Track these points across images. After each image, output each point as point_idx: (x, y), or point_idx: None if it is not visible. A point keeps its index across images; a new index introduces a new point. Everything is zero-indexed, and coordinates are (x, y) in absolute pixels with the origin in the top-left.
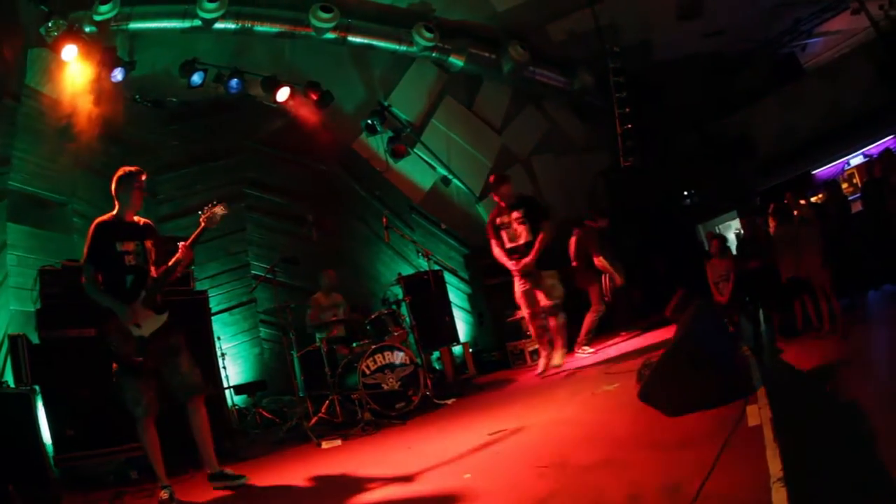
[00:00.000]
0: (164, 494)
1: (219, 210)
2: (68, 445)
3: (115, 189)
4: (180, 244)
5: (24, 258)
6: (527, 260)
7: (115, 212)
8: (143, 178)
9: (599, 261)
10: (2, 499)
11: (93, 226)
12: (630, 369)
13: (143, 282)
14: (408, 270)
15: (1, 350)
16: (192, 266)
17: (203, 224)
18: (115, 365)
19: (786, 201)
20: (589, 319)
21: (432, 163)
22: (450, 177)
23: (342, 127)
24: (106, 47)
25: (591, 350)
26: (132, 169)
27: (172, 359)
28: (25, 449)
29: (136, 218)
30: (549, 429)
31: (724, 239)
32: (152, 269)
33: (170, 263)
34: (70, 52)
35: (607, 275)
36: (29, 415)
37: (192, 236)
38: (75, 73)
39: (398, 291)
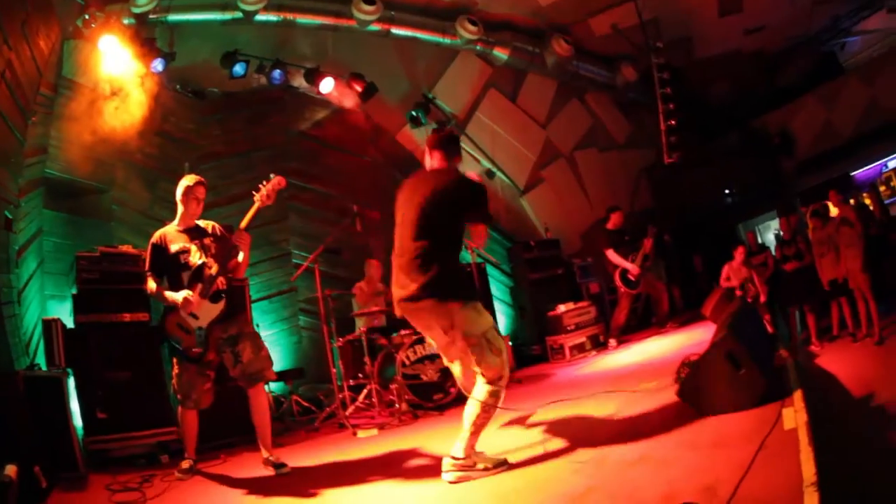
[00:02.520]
0: (185, 464)
1: (275, 185)
2: (99, 428)
3: (178, 196)
4: (238, 229)
5: (61, 244)
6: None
7: (175, 218)
8: (202, 188)
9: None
10: (28, 480)
11: (152, 237)
12: (669, 367)
13: (199, 276)
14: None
15: (34, 334)
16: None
17: (259, 203)
18: (175, 359)
19: (827, 202)
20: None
21: (476, 156)
22: (494, 170)
23: (386, 118)
24: (145, 38)
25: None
26: (191, 181)
27: (234, 347)
28: (54, 431)
29: (198, 221)
30: (588, 425)
31: (749, 249)
32: (210, 262)
33: (224, 256)
34: (108, 44)
35: (619, 269)
36: (60, 397)
37: (247, 217)
38: (114, 64)
39: None
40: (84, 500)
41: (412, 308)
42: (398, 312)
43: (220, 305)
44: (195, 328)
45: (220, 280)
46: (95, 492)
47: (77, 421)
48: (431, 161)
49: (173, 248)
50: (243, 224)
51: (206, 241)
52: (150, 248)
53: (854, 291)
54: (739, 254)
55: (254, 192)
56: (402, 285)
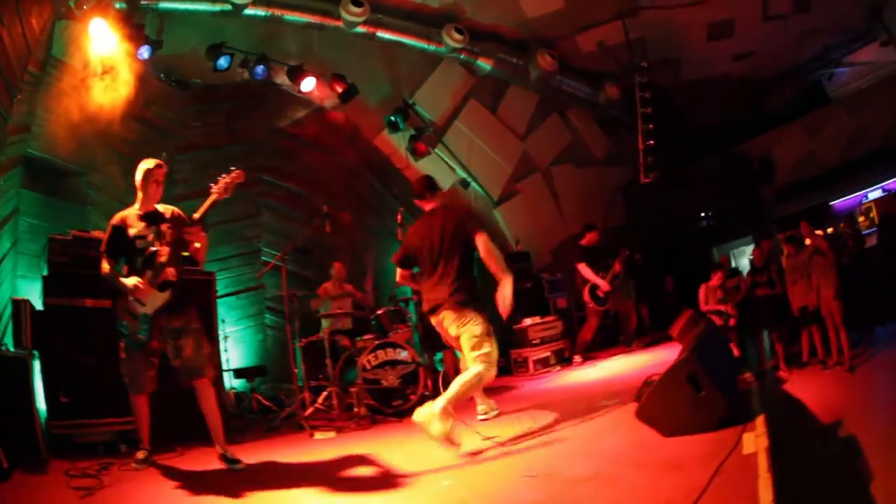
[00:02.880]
0: (140, 454)
1: (234, 178)
2: (62, 412)
3: (137, 181)
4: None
5: (37, 225)
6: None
7: (135, 202)
8: (161, 171)
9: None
10: None
11: (112, 218)
12: (631, 386)
13: (152, 263)
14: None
15: (4, 314)
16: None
17: (215, 195)
18: (122, 343)
19: (801, 230)
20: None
21: (452, 164)
22: (469, 180)
23: (365, 121)
24: (135, 24)
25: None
26: (151, 164)
27: (176, 340)
28: (17, 412)
29: (158, 206)
30: (543, 439)
31: (727, 272)
32: (162, 250)
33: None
34: (98, 27)
35: (589, 285)
36: (24, 379)
37: (202, 209)
38: (102, 47)
39: (407, 290)
40: (44, 484)
41: (439, 311)
42: (426, 310)
43: (166, 295)
44: (141, 314)
45: (170, 270)
46: (55, 476)
47: (41, 404)
48: (426, 205)
49: (131, 231)
50: (197, 215)
51: (163, 227)
52: (108, 229)
53: (825, 319)
54: (717, 278)
55: (211, 185)
56: (433, 298)
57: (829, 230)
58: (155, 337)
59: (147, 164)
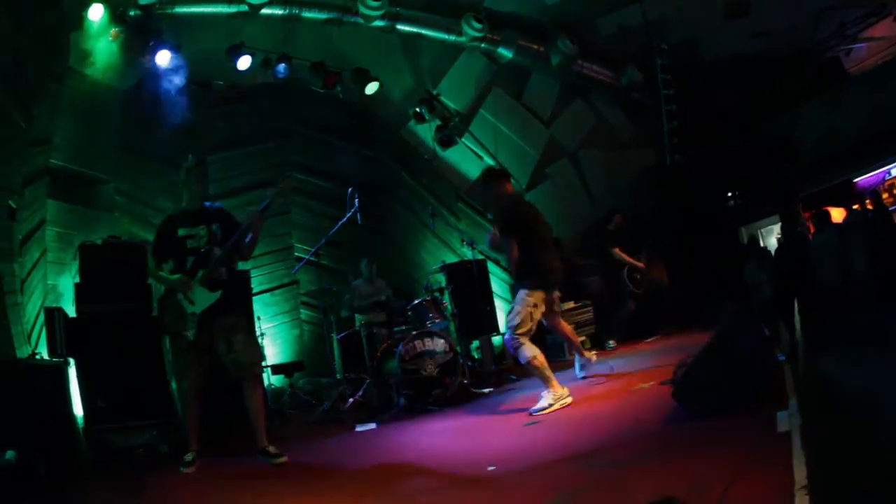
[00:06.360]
0: (188, 455)
1: (288, 184)
2: (99, 417)
3: (181, 180)
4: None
5: (64, 234)
6: None
7: (183, 202)
8: (201, 166)
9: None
10: (28, 466)
11: (162, 220)
12: (667, 368)
13: (203, 262)
14: (452, 259)
15: (37, 323)
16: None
17: (274, 200)
18: (171, 344)
19: (827, 208)
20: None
21: (480, 153)
22: (497, 168)
23: (390, 114)
24: (152, 29)
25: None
26: (191, 162)
27: (227, 337)
28: (55, 418)
29: (206, 204)
30: (582, 423)
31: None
32: (214, 249)
33: (232, 240)
34: (115, 35)
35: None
36: (60, 386)
37: (267, 205)
38: (119, 55)
39: (441, 279)
40: (83, 488)
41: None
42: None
43: (217, 295)
44: (189, 313)
45: (222, 270)
46: (95, 479)
47: (77, 409)
48: (508, 186)
49: (181, 232)
50: (260, 210)
51: (214, 226)
52: (157, 230)
53: (854, 296)
54: None
55: (273, 186)
56: (559, 269)
57: (855, 207)
58: (204, 335)
59: (187, 162)
